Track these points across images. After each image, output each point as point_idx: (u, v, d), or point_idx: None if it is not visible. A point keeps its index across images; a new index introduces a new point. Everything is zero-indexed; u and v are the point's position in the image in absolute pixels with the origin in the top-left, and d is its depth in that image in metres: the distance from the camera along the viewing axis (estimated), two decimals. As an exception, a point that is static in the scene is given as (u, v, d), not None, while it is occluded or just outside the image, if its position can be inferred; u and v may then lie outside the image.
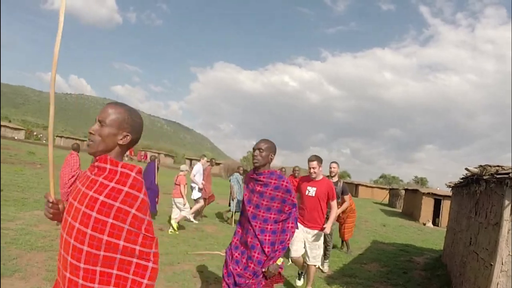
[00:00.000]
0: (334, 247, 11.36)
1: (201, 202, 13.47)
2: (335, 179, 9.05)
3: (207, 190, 13.81)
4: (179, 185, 11.87)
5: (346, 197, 9.18)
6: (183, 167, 12.74)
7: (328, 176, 8.26)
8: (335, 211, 6.96)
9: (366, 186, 56.62)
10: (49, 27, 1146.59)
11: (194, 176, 13.18)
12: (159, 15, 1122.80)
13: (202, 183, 13.31)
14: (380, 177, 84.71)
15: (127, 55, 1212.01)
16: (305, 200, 6.74)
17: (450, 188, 12.34)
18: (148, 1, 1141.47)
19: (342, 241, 12.45)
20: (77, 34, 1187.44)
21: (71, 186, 10.39)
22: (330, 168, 9.13)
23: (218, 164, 60.99)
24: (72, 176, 10.60)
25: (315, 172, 6.67)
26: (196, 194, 13.34)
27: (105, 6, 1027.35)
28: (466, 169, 7.12)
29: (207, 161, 14.25)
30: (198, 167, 13.51)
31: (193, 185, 13.33)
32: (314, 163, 6.65)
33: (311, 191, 6.70)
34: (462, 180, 9.02)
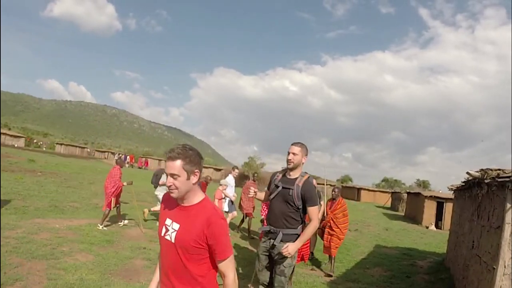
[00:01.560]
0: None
1: (232, 215, 13.43)
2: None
3: (244, 206, 13.44)
4: (217, 199, 12.46)
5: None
6: (222, 181, 13.07)
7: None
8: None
9: (368, 190, 56.44)
10: (48, 34, 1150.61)
11: (225, 189, 13.04)
12: (158, 22, 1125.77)
13: (234, 196, 13.21)
14: (382, 180, 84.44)
15: (127, 62, 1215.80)
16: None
17: (452, 191, 12.32)
18: (147, 8, 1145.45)
19: (330, 257, 9.75)
20: (76, 41, 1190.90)
21: (113, 196, 11.22)
22: None
23: (219, 170, 61.01)
24: (113, 187, 11.21)
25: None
26: (227, 207, 13.33)
27: (104, 14, 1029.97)
28: (468, 173, 7.09)
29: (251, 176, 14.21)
30: (229, 179, 13.37)
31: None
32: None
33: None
34: (464, 184, 9.00)
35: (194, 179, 2.59)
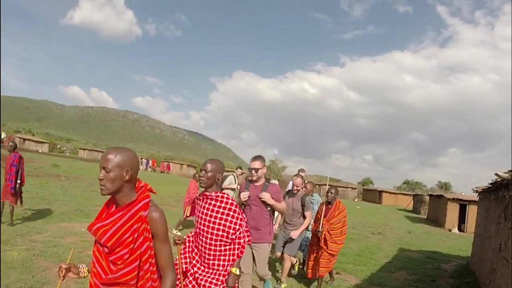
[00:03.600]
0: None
1: None
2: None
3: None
4: None
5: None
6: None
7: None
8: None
9: (390, 192, 56.06)
10: (69, 41, 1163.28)
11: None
12: (178, 26, 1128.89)
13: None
14: (404, 183, 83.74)
15: (147, 67, 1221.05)
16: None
17: (477, 193, 12.19)
18: (166, 13, 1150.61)
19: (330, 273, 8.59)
20: (97, 48, 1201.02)
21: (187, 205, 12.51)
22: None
23: (241, 174, 60.89)
24: (187, 198, 12.83)
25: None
26: None
27: (124, 19, 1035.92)
28: (496, 174, 7.02)
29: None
30: (227, 181, 12.84)
31: None
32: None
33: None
34: (490, 185, 8.90)
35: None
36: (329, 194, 7.82)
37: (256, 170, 5.68)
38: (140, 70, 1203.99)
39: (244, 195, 5.68)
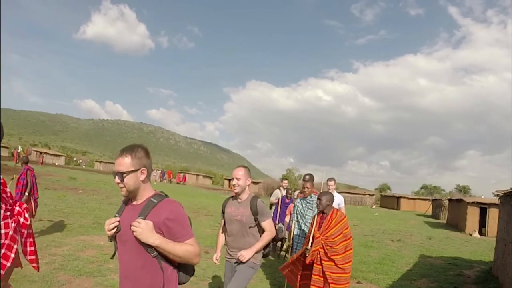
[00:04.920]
0: None
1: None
2: None
3: None
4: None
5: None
6: (273, 197, 12.64)
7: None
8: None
9: (408, 198, 55.70)
10: (83, 55, 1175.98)
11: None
12: (190, 38, 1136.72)
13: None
14: (422, 187, 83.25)
15: (161, 79, 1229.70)
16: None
17: (498, 197, 12.04)
18: (179, 25, 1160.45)
19: None
20: (110, 61, 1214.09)
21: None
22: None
23: (257, 183, 60.99)
24: None
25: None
26: None
27: (136, 33, 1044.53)
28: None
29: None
30: (276, 194, 12.49)
31: None
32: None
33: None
34: None
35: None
36: (319, 202, 6.29)
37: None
38: (154, 83, 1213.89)
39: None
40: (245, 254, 4.79)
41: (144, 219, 2.75)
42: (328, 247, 6.04)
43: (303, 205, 7.89)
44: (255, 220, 4.95)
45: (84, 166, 74.66)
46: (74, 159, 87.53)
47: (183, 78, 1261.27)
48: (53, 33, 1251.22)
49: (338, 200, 8.93)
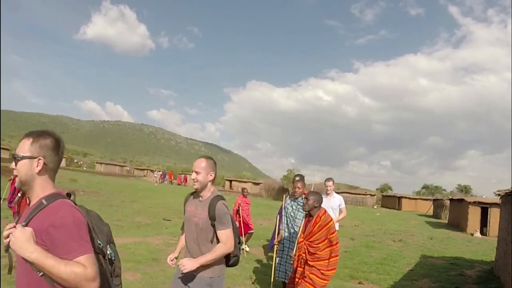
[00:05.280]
0: None
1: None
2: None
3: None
4: None
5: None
6: None
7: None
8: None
9: (409, 198, 55.77)
10: (83, 56, 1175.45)
11: None
12: (190, 39, 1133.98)
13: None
14: (423, 187, 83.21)
15: (161, 80, 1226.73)
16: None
17: (499, 197, 12.03)
18: (179, 25, 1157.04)
19: None
20: (111, 62, 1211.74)
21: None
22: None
23: (258, 184, 60.98)
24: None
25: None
26: None
27: (136, 33, 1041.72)
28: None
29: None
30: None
31: None
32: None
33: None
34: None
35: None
36: (306, 202, 5.82)
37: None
38: (154, 83, 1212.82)
39: None
40: (186, 265, 3.74)
41: (26, 225, 2.11)
42: (311, 253, 5.62)
43: (294, 207, 7.35)
44: (213, 226, 3.93)
45: (85, 168, 74.76)
46: (75, 160, 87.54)
47: (183, 79, 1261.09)
48: (53, 34, 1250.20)
49: (338, 201, 8.98)
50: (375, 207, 55.36)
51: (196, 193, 4.19)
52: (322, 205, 8.57)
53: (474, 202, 26.49)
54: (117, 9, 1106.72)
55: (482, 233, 24.95)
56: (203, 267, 3.86)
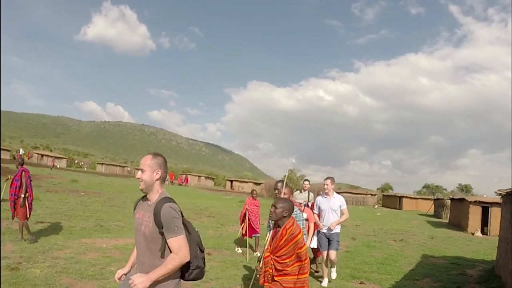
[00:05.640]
0: None
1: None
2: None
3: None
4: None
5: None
6: (299, 196, 11.15)
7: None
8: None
9: (410, 198, 55.79)
10: (83, 57, 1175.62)
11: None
12: (191, 39, 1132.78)
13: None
14: (424, 187, 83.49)
15: (162, 81, 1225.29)
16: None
17: (500, 196, 12.01)
18: (179, 26, 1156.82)
19: None
20: (111, 62, 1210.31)
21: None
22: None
23: (258, 184, 60.98)
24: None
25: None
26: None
27: (137, 34, 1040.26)
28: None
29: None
30: (298, 196, 11.11)
31: None
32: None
33: None
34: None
35: None
36: (273, 210, 4.86)
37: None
38: (155, 84, 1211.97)
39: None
40: (138, 282, 3.14)
41: None
42: (278, 270, 4.76)
43: None
44: (162, 234, 3.30)
45: (85, 169, 74.86)
46: (76, 161, 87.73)
47: (184, 79, 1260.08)
48: (54, 35, 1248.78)
49: (339, 202, 8.56)
50: (376, 206, 55.38)
51: (145, 196, 3.59)
52: (322, 206, 8.53)
53: (475, 202, 26.48)
54: (117, 10, 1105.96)
55: (483, 232, 24.95)
56: (156, 283, 3.24)
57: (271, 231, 5.07)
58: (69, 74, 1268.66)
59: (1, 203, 11.98)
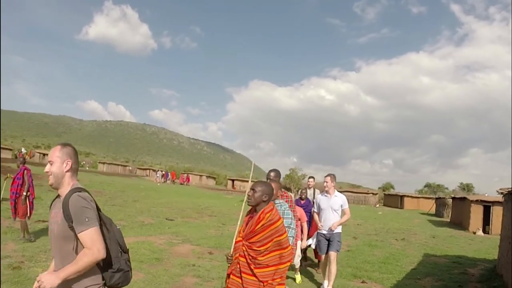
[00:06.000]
0: None
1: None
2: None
3: None
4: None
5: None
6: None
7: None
8: None
9: (412, 197, 55.83)
10: (85, 57, 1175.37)
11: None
12: (193, 38, 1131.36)
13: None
14: (425, 186, 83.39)
15: (163, 80, 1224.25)
16: None
17: (502, 195, 12.01)
18: (181, 25, 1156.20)
19: None
20: (113, 62, 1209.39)
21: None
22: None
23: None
24: None
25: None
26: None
27: (139, 33, 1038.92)
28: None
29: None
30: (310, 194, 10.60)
31: None
32: None
33: None
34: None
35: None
36: (250, 195, 4.37)
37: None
38: (156, 83, 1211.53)
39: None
40: (45, 281, 2.76)
41: None
42: (250, 257, 4.19)
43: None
44: (72, 229, 2.90)
45: (87, 168, 74.67)
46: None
47: (185, 79, 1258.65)
48: (55, 35, 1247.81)
49: (340, 201, 8.08)
50: (378, 206, 55.36)
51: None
52: (322, 205, 8.35)
53: (477, 201, 26.49)
54: (119, 9, 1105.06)
55: (484, 231, 24.95)
56: (69, 281, 2.87)
57: (245, 216, 4.54)
58: (70, 73, 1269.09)
59: (2, 202, 12.00)
